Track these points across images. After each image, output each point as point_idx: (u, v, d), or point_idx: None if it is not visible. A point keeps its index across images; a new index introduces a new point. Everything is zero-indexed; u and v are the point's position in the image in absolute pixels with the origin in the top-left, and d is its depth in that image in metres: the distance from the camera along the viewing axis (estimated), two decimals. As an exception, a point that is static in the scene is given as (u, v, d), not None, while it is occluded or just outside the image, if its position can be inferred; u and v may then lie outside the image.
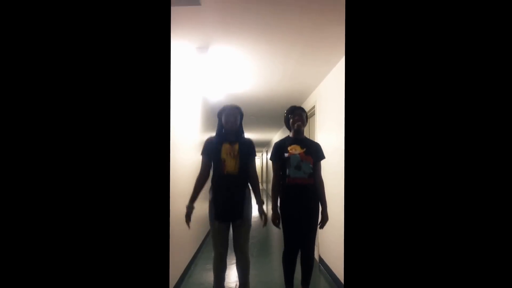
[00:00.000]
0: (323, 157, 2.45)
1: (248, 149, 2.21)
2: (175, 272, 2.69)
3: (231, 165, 2.12)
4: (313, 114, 4.19)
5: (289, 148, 2.38)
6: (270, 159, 2.50)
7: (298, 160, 2.31)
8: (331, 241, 3.16)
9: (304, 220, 2.35)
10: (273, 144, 2.69)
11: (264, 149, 15.19)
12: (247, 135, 2.41)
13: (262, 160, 17.65)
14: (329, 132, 3.26)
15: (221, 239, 2.17)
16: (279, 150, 2.41)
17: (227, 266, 3.26)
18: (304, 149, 2.36)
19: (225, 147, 2.16)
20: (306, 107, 4.37)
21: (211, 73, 3.21)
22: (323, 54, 2.69)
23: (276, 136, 8.89)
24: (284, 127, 7.04)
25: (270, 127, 7.43)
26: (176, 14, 1.96)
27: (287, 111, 2.51)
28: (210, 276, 3.05)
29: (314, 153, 2.39)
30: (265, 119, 6.10)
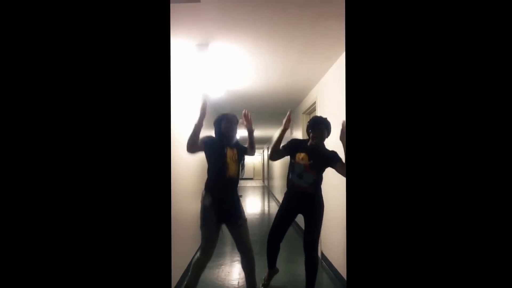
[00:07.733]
0: (334, 164, 2.30)
1: (242, 155, 2.36)
2: (176, 271, 2.69)
3: (233, 169, 2.21)
4: (313, 110, 4.18)
5: (297, 155, 2.38)
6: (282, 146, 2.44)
7: (301, 169, 2.35)
8: (333, 237, 3.16)
9: (306, 225, 2.41)
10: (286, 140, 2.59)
11: (265, 146, 15.16)
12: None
13: (264, 157, 17.62)
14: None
15: (215, 242, 2.19)
16: (292, 145, 2.44)
17: (229, 263, 3.28)
18: (311, 162, 2.33)
19: (229, 151, 2.23)
20: (307, 103, 4.36)
21: (212, 70, 3.20)
22: (323, 50, 2.68)
23: (277, 133, 8.86)
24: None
25: (270, 123, 7.41)
26: (176, 11, 1.95)
27: (309, 121, 2.44)
28: (211, 274, 3.06)
29: (322, 164, 2.35)
30: (265, 115, 6.08)
